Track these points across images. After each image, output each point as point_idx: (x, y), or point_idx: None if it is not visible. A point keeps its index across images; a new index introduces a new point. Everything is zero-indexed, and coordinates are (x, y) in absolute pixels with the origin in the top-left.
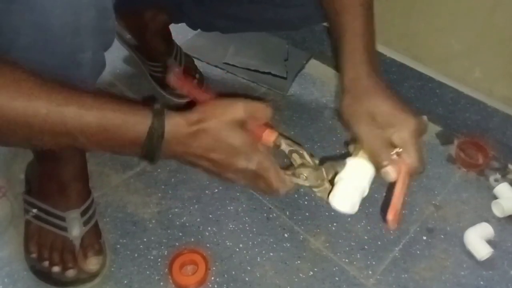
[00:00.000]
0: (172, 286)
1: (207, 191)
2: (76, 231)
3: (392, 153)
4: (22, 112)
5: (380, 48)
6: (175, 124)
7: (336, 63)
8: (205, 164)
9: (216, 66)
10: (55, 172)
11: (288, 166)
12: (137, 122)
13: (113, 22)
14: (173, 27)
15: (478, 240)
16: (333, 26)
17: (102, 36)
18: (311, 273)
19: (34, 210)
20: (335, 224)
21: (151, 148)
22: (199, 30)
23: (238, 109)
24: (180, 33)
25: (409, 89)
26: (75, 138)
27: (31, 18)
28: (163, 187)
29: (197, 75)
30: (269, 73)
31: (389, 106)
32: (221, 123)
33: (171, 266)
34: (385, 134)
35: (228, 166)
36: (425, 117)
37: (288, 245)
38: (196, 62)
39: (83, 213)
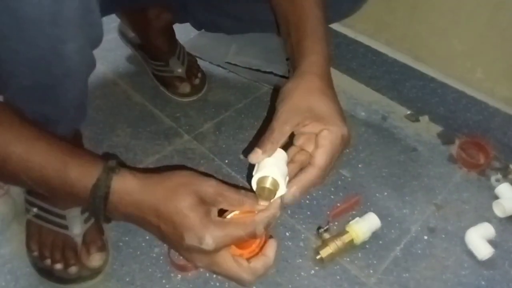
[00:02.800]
0: (173, 279)
1: None
2: (77, 228)
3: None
4: None
5: (382, 48)
6: (125, 183)
7: (289, 42)
8: (156, 234)
9: (218, 66)
10: None
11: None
12: (81, 177)
13: (98, 16)
14: (175, 26)
15: (479, 240)
16: (288, 11)
17: (87, 28)
18: (313, 271)
19: (35, 209)
20: (336, 223)
21: (94, 207)
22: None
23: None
24: (183, 32)
25: (411, 89)
26: (24, 182)
27: (7, 6)
28: None
29: (199, 75)
30: (271, 73)
31: (331, 108)
32: (179, 190)
33: (169, 249)
34: (309, 128)
35: (178, 241)
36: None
37: (290, 243)
38: (199, 61)
39: (83, 211)
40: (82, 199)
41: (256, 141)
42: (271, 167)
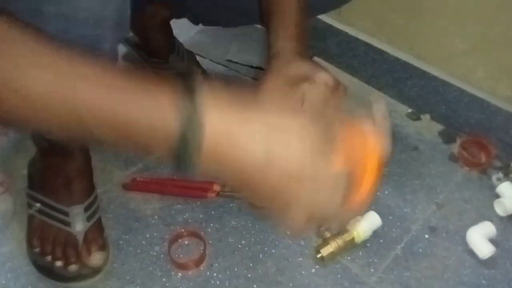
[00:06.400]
0: (173, 277)
1: None
2: (79, 226)
3: None
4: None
5: (384, 46)
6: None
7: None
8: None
9: (218, 63)
10: (60, 167)
11: None
12: (162, 118)
13: (128, 15)
14: (174, 25)
15: (480, 238)
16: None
17: (120, 28)
18: (313, 270)
19: (38, 205)
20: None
21: (183, 157)
22: (201, 27)
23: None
24: (183, 30)
25: (412, 87)
26: (85, 126)
27: (59, 9)
28: None
29: (200, 71)
30: None
31: (306, 65)
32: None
33: (169, 247)
34: (287, 101)
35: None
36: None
37: (290, 242)
38: (199, 59)
39: (86, 209)
40: (164, 147)
41: None
42: None
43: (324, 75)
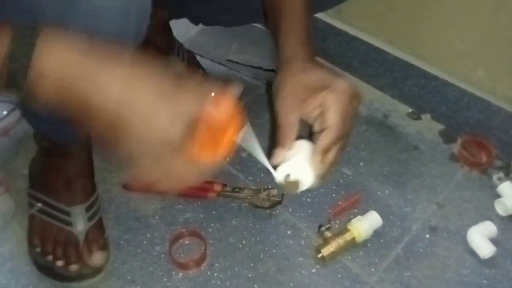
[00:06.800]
0: (174, 277)
1: None
2: (80, 226)
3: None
4: None
5: (384, 46)
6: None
7: (274, 39)
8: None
9: (219, 63)
10: (62, 167)
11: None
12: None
13: (146, 25)
14: (174, 25)
15: (481, 238)
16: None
17: (139, 38)
18: (314, 270)
19: (39, 204)
20: (337, 221)
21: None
22: (201, 27)
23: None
24: (183, 30)
25: (412, 87)
26: None
27: (85, 24)
28: None
29: (200, 71)
30: (272, 70)
31: (322, 74)
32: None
33: (170, 247)
34: (305, 108)
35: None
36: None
37: (291, 242)
38: (199, 59)
39: (88, 209)
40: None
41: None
42: (290, 161)
43: (344, 84)
